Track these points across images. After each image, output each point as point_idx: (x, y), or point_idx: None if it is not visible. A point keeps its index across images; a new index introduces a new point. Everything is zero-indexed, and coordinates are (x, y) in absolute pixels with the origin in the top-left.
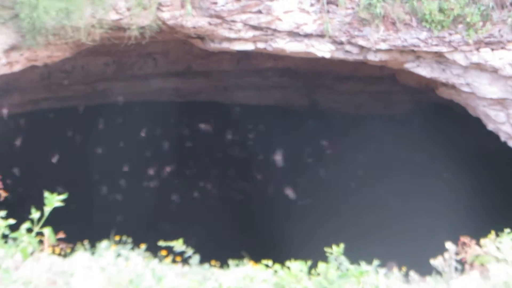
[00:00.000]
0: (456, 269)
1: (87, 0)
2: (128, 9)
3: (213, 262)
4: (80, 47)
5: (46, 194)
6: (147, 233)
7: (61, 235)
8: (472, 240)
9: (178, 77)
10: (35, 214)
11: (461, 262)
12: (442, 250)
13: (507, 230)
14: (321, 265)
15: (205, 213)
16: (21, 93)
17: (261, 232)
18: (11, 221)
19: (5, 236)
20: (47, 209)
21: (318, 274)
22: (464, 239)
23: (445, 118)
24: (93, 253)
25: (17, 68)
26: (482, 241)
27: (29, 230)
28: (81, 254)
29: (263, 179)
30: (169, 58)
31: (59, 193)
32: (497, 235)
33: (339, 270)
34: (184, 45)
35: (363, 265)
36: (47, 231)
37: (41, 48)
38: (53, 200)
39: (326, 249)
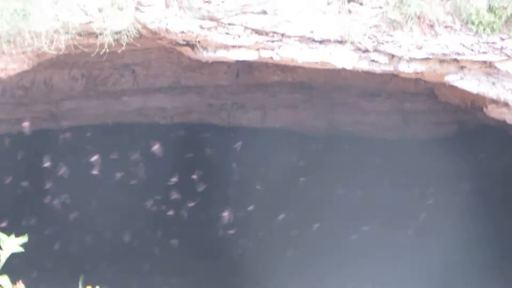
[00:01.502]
0: None
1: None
2: (100, 10)
3: None
4: (41, 57)
5: (2, 236)
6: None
7: (21, 284)
8: None
9: (163, 94)
10: None
11: None
12: None
13: None
14: None
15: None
16: None
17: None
18: None
19: None
20: (4, 255)
21: None
22: None
23: (495, 143)
24: None
25: None
26: None
27: None
28: None
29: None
30: (151, 70)
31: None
32: None
33: None
34: (170, 55)
35: None
36: (4, 280)
37: None
38: (12, 245)
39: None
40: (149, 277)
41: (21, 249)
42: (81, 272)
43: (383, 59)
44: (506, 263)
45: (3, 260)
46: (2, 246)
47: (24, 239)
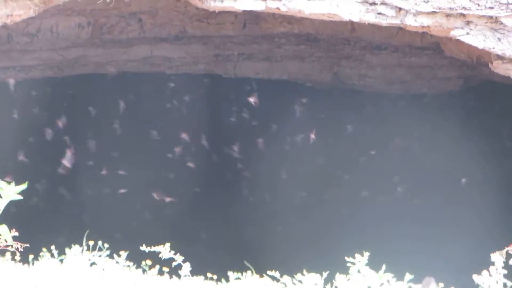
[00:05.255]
0: (505, 285)
1: None
2: None
3: (209, 275)
4: (47, 4)
5: (2, 184)
6: (127, 237)
7: (15, 234)
8: None
9: (169, 44)
10: None
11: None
12: (486, 262)
13: None
14: (340, 279)
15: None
16: None
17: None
18: None
19: None
20: (3, 202)
21: None
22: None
23: (501, 99)
24: (61, 261)
25: None
26: None
27: None
28: (46, 262)
29: (268, 177)
30: (158, 19)
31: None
32: None
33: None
34: (177, 3)
35: (393, 281)
36: (3, 229)
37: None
38: (11, 192)
39: (347, 259)
40: None
41: (19, 197)
42: None
43: (390, 12)
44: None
45: (2, 207)
46: (1, 195)
47: (23, 186)
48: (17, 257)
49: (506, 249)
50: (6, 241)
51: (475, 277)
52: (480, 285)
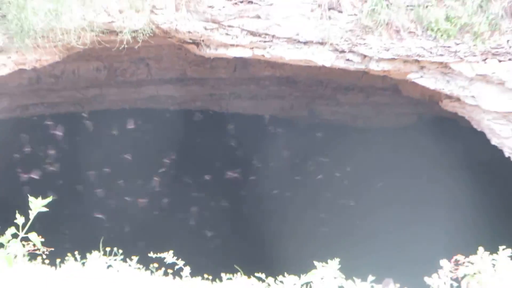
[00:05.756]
0: (452, 286)
1: (78, 1)
2: (120, 12)
3: (206, 276)
4: (70, 50)
5: (31, 198)
6: (138, 245)
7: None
8: (467, 258)
9: (172, 84)
10: (19, 219)
11: (457, 280)
12: (437, 266)
13: (502, 247)
14: (315, 281)
15: (198, 224)
16: (9, 97)
17: (254, 243)
18: None
19: None
20: (32, 214)
21: None
22: (458, 257)
23: (449, 132)
24: (83, 264)
25: (4, 71)
26: (475, 257)
27: (15, 236)
28: (71, 265)
29: (256, 191)
30: (162, 64)
31: (45, 197)
32: (494, 250)
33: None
34: (179, 51)
35: (358, 282)
36: (33, 236)
37: (30, 51)
38: (38, 205)
39: (321, 264)
40: None
41: (45, 209)
42: None
43: (357, 58)
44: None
45: (32, 217)
46: (31, 207)
47: (48, 199)
48: (46, 261)
49: (454, 258)
50: (35, 246)
51: (426, 278)
52: (431, 286)
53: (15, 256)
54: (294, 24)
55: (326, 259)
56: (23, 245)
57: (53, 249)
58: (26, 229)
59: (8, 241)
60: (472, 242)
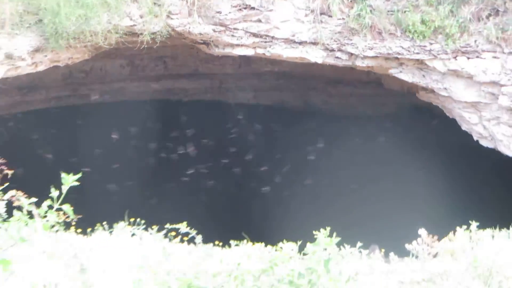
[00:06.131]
0: (429, 253)
1: (104, 7)
2: (141, 16)
3: (216, 242)
4: (97, 50)
5: (63, 174)
6: (157, 217)
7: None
8: (441, 235)
9: (186, 79)
10: (54, 193)
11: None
12: (416, 234)
13: (475, 223)
14: (309, 246)
15: (208, 201)
16: (45, 90)
17: (259, 216)
18: (34, 199)
19: (29, 212)
20: (65, 188)
21: (306, 254)
22: (433, 237)
23: (424, 119)
24: (110, 233)
25: (41, 68)
26: (452, 235)
27: (50, 207)
28: (100, 233)
29: (257, 168)
30: (177, 61)
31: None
32: (467, 227)
33: (325, 251)
34: (191, 50)
35: (348, 247)
36: (67, 207)
37: (63, 50)
38: (69, 180)
39: (315, 232)
40: None
41: (77, 183)
42: None
43: (345, 56)
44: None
45: (64, 191)
46: (63, 182)
47: (78, 175)
48: (79, 230)
49: (430, 235)
50: (67, 215)
51: (407, 245)
52: (411, 251)
53: (52, 226)
54: (291, 27)
55: (320, 228)
56: (58, 215)
57: (81, 216)
58: (60, 201)
59: (45, 212)
60: (444, 214)
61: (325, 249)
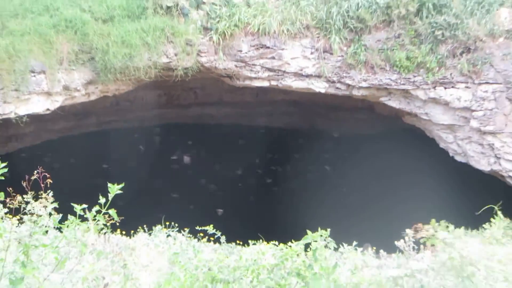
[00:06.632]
0: (414, 248)
1: (145, 47)
2: (176, 55)
3: (238, 241)
4: (139, 82)
5: (109, 184)
6: (188, 220)
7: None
8: (424, 226)
9: (213, 106)
10: (102, 200)
11: (418, 242)
12: (404, 233)
13: (452, 224)
14: (313, 244)
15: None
16: (96, 116)
17: (273, 218)
18: (84, 205)
19: (81, 217)
20: (110, 196)
21: (310, 250)
22: (417, 225)
23: (408, 138)
24: (150, 234)
25: (93, 97)
26: (430, 226)
27: (98, 212)
28: (141, 234)
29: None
30: (205, 91)
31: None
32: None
33: (327, 248)
34: (217, 82)
35: (345, 245)
36: (112, 212)
37: (111, 83)
38: (114, 189)
39: (319, 232)
40: None
41: (120, 191)
42: None
43: (343, 87)
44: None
45: (110, 198)
46: (110, 190)
47: (122, 185)
48: (123, 232)
49: (414, 226)
50: (112, 218)
51: (396, 242)
52: (399, 247)
53: (102, 229)
54: (299, 63)
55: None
56: (105, 219)
57: (123, 217)
58: (107, 206)
59: (95, 215)
60: (428, 212)
61: (315, 241)
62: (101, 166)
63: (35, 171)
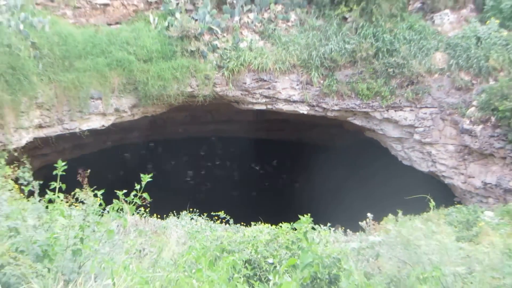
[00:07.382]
0: (373, 229)
1: (175, 80)
2: (197, 86)
3: (242, 223)
4: (171, 106)
5: (142, 174)
6: (206, 208)
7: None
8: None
9: (225, 124)
10: (137, 186)
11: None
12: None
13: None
14: (298, 225)
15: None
16: (138, 131)
17: (270, 207)
18: (125, 190)
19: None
20: (143, 183)
21: (296, 229)
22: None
23: (368, 148)
24: (178, 217)
25: (136, 117)
26: (386, 218)
27: (135, 195)
28: (171, 218)
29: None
30: (219, 113)
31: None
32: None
33: (313, 229)
34: (228, 105)
35: (321, 226)
36: (146, 195)
37: (150, 106)
38: (146, 178)
39: (301, 217)
40: None
41: (150, 179)
42: None
43: (320, 109)
44: None
45: (143, 185)
46: (142, 179)
47: (151, 175)
48: (158, 216)
49: (369, 218)
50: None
51: (360, 223)
52: (362, 227)
53: (137, 208)
54: (288, 92)
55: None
56: (140, 201)
57: (152, 199)
58: (141, 191)
59: (132, 198)
60: (382, 206)
61: (306, 226)
62: (146, 166)
63: (87, 170)
